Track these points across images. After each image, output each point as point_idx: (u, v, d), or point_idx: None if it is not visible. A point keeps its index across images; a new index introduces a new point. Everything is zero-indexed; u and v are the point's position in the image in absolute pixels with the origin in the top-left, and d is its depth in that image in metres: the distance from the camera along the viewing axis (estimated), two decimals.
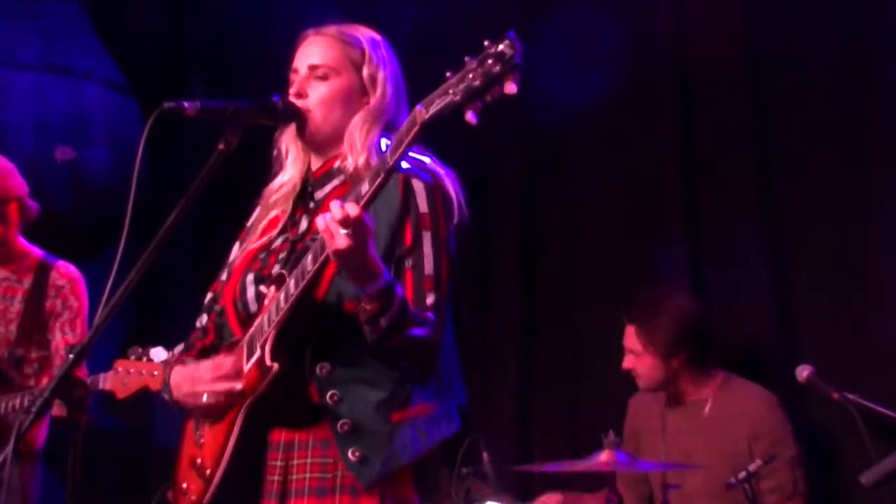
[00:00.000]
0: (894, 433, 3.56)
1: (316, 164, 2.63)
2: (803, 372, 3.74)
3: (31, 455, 3.88)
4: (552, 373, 4.94)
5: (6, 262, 4.01)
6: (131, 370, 3.40)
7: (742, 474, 3.73)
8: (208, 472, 2.48)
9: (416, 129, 2.15)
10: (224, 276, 2.69)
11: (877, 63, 4.32)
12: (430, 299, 2.41)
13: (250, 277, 2.55)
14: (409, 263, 2.43)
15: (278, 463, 2.46)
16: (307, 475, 2.44)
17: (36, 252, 4.06)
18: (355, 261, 2.26)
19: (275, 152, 2.69)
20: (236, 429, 2.43)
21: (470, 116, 2.08)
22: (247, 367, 2.43)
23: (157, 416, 5.48)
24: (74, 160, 4.96)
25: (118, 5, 5.54)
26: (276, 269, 2.50)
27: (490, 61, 2.04)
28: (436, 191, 2.47)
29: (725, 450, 4.04)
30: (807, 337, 4.39)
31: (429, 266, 2.43)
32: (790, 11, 4.51)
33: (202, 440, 2.56)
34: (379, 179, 2.23)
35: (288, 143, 2.66)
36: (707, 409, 4.17)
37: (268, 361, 2.37)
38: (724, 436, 4.07)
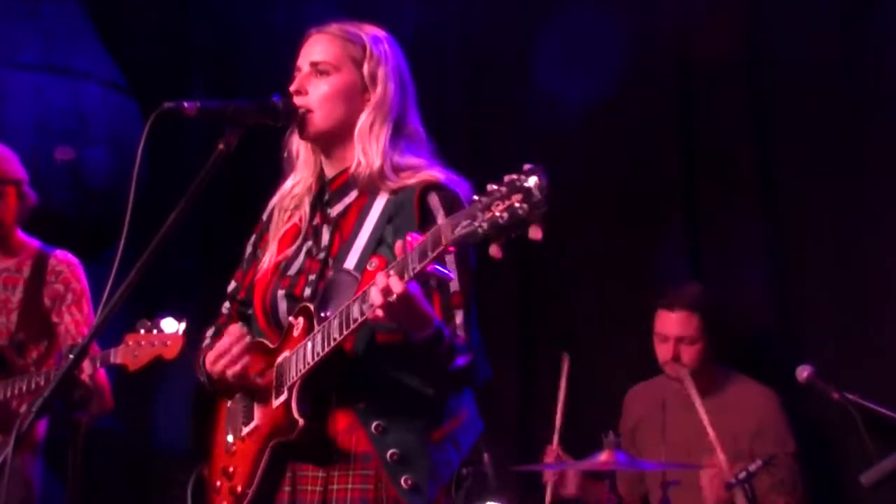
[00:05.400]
0: (894, 433, 3.56)
1: (329, 170, 2.62)
2: (803, 372, 3.75)
3: (32, 445, 3.89)
4: (552, 373, 4.93)
5: (6, 254, 4.02)
6: (142, 342, 3.42)
7: (742, 474, 3.74)
8: (239, 489, 2.50)
9: (439, 249, 2.14)
10: (245, 268, 2.70)
11: (877, 62, 4.32)
12: (459, 317, 2.44)
13: (281, 293, 2.55)
14: (433, 283, 2.41)
15: (320, 474, 2.46)
16: (349, 486, 2.44)
17: (34, 243, 4.07)
18: (399, 321, 2.27)
19: (285, 154, 2.67)
20: (263, 464, 2.45)
21: (494, 251, 2.07)
22: (275, 404, 2.46)
23: (157, 416, 5.48)
24: (74, 160, 4.95)
25: (118, 5, 5.54)
26: (307, 293, 2.51)
27: (517, 200, 2.01)
28: (454, 205, 2.45)
29: (725, 447, 4.05)
30: (807, 337, 4.40)
31: (454, 283, 2.44)
32: (791, 10, 4.51)
33: (234, 449, 2.58)
34: (406, 276, 2.20)
35: (298, 145, 2.65)
36: (709, 404, 4.18)
37: (295, 414, 2.40)
38: (724, 432, 4.08)
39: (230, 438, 2.60)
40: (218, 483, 2.58)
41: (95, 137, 5.20)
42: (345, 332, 2.31)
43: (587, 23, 4.75)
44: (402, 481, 2.40)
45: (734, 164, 4.61)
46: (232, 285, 2.75)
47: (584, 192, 4.91)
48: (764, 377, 4.25)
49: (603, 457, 3.65)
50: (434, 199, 2.46)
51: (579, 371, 4.88)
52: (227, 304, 2.75)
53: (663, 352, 4.23)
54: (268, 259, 2.64)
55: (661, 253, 4.69)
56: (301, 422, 2.39)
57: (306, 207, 2.63)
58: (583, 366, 4.87)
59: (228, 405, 2.64)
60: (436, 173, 2.50)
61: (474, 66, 5.13)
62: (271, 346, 2.54)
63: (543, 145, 5.01)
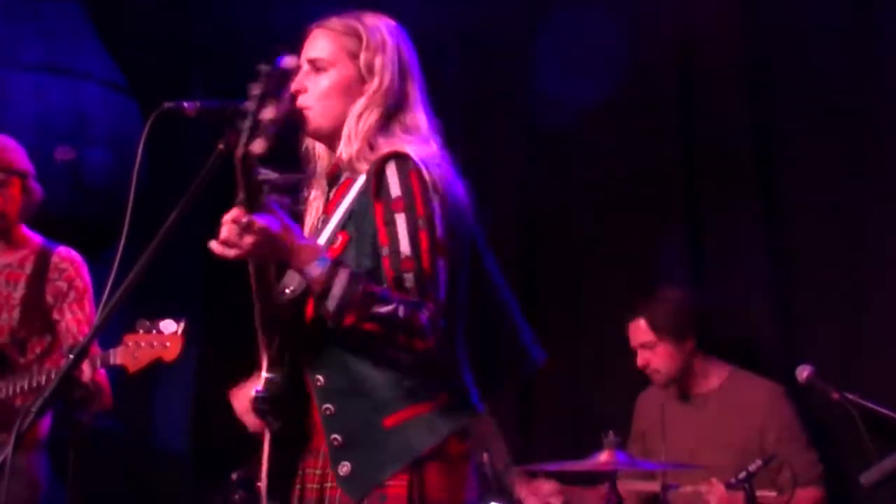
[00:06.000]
0: (894, 433, 3.56)
1: (328, 161, 2.61)
2: (803, 372, 3.75)
3: (36, 444, 3.88)
4: (552, 373, 4.92)
5: (8, 248, 4.00)
6: (142, 343, 3.40)
7: (742, 474, 3.74)
8: (257, 483, 2.52)
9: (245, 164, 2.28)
10: None
11: (877, 63, 4.32)
12: (409, 280, 2.34)
13: None
14: (385, 251, 2.37)
15: (318, 471, 2.45)
16: None
17: (37, 239, 4.05)
18: (270, 256, 2.31)
19: (303, 149, 2.66)
20: (265, 448, 2.46)
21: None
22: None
23: (157, 416, 5.48)
24: (74, 160, 4.95)
25: (118, 5, 5.54)
26: None
27: (255, 89, 2.30)
28: (410, 172, 2.39)
29: (734, 444, 4.06)
30: (807, 337, 4.40)
31: (405, 247, 2.35)
32: (791, 11, 4.51)
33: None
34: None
35: (312, 141, 2.63)
36: (713, 402, 4.19)
37: (259, 386, 2.42)
38: (732, 430, 4.10)
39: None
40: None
41: (95, 137, 5.21)
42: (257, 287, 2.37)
43: (588, 23, 4.76)
44: (339, 468, 2.36)
45: (734, 164, 4.61)
46: None
47: (585, 192, 4.92)
48: (764, 377, 4.25)
49: (603, 457, 3.65)
50: (391, 168, 2.40)
51: (580, 372, 4.89)
52: None
53: (638, 363, 4.29)
54: None
55: (661, 253, 4.70)
56: (265, 377, 2.39)
57: (320, 205, 2.63)
58: (584, 366, 4.88)
59: None
60: (406, 147, 2.43)
61: (474, 65, 5.13)
62: None
63: (543, 145, 5.02)
